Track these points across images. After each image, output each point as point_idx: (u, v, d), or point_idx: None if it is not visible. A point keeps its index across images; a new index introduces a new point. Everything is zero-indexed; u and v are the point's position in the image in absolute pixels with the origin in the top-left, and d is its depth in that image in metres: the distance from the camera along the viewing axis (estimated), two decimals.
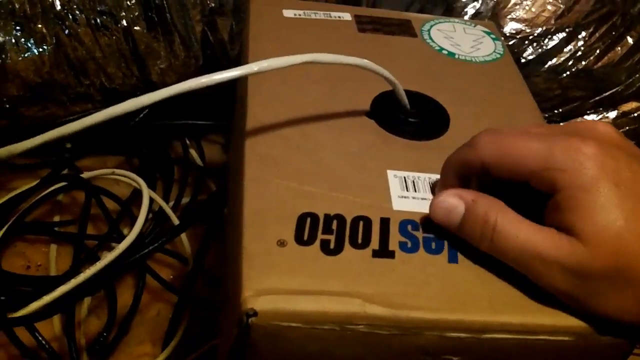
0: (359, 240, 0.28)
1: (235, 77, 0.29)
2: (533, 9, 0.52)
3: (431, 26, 0.46)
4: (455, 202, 0.29)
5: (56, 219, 0.51)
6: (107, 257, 0.41)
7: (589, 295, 0.26)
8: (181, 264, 0.49)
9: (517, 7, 0.53)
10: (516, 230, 0.27)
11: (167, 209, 0.50)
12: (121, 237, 0.43)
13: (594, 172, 0.26)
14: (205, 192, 0.55)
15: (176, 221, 0.49)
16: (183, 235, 0.49)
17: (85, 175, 0.51)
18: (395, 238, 0.29)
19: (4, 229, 0.47)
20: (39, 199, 0.50)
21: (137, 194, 0.51)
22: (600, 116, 0.54)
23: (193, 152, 0.57)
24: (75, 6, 0.47)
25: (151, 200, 0.48)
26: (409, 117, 0.35)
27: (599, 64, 0.53)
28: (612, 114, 0.55)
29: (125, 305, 0.45)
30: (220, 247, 0.49)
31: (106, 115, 0.27)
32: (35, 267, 0.48)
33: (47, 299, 0.39)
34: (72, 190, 0.52)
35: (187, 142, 0.58)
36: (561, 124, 0.54)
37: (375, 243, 0.28)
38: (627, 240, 0.25)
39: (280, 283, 0.26)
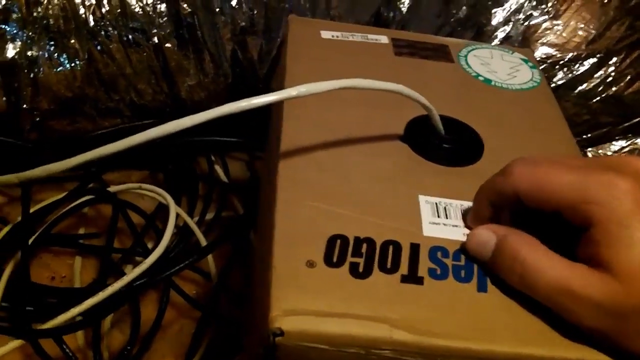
0: (388, 265, 0.28)
1: (274, 102, 0.29)
2: (564, 34, 0.52)
3: (468, 52, 0.46)
4: (488, 236, 0.29)
5: (81, 231, 0.52)
6: (135, 272, 0.42)
7: (623, 333, 0.25)
8: (205, 280, 0.49)
9: (548, 32, 0.53)
10: (547, 266, 0.27)
11: (193, 225, 0.50)
12: (146, 251, 0.43)
13: (630, 206, 0.25)
14: (229, 208, 0.55)
15: (201, 237, 0.49)
16: None
17: (112, 189, 0.51)
18: (424, 264, 0.28)
19: (31, 240, 0.47)
20: (66, 211, 0.50)
21: (161, 208, 0.51)
22: (629, 142, 0.54)
23: (218, 168, 0.58)
24: (107, 23, 0.48)
25: (176, 215, 0.48)
26: (443, 142, 0.35)
27: (630, 90, 0.53)
28: None
29: (148, 319, 0.45)
30: (244, 265, 0.49)
31: (146, 137, 0.27)
32: (60, 279, 0.48)
33: (74, 311, 0.39)
34: (97, 203, 0.53)
35: (212, 158, 0.58)
36: (598, 156, 0.53)
37: (404, 268, 0.28)
38: None
39: (308, 304, 0.26)
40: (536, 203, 0.28)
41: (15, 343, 0.40)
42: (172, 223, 0.46)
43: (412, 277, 0.28)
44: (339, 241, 0.29)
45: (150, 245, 0.49)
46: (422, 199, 0.32)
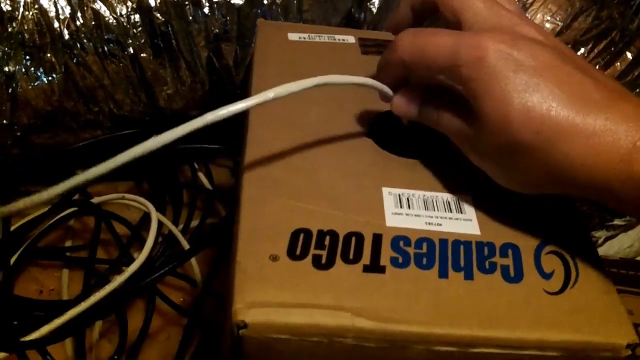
0: (351, 256, 0.29)
1: (252, 106, 0.29)
2: None
3: None
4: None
5: (68, 244, 0.52)
6: (117, 281, 0.42)
7: (502, 168, 0.31)
8: (191, 287, 0.50)
9: None
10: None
11: (177, 233, 0.50)
12: (131, 261, 0.44)
13: (494, 63, 0.28)
14: (214, 215, 0.55)
15: (185, 244, 0.50)
16: (193, 259, 0.50)
17: (96, 200, 0.51)
18: (386, 253, 0.29)
19: (17, 255, 0.48)
20: (51, 224, 0.51)
21: (147, 218, 0.51)
22: None
23: (202, 175, 0.58)
24: (82, 35, 0.48)
25: (161, 223, 0.49)
26: (406, 136, 0.36)
27: None
28: None
29: (136, 328, 0.45)
30: (228, 270, 0.49)
31: (129, 157, 0.28)
32: (48, 292, 0.48)
33: (58, 322, 0.40)
34: (83, 215, 0.53)
35: (196, 166, 0.58)
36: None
37: (366, 258, 0.29)
38: (519, 115, 0.28)
39: (272, 296, 0.26)
40: (419, 71, 0.32)
41: (0, 356, 0.40)
42: (154, 231, 0.46)
43: (375, 267, 0.28)
44: (302, 235, 0.29)
45: (136, 256, 0.49)
46: (386, 190, 0.32)
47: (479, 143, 0.30)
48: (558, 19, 0.51)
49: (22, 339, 0.39)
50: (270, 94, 0.30)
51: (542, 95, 0.27)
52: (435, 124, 0.33)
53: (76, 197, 0.52)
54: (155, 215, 0.47)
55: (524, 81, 0.28)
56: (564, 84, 0.28)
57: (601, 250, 0.55)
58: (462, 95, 0.30)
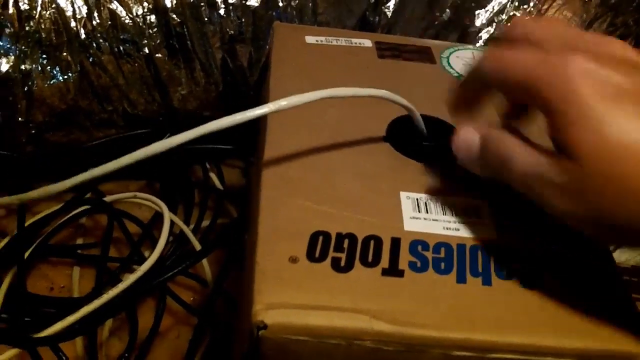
0: (370, 259, 0.29)
1: (266, 113, 0.30)
2: None
3: (450, 53, 0.46)
4: (472, 134, 0.30)
5: (79, 241, 0.52)
6: (129, 279, 0.42)
7: (589, 215, 0.25)
8: (201, 286, 0.50)
9: None
10: (520, 153, 0.27)
11: (188, 232, 0.50)
12: (143, 260, 0.44)
13: (585, 89, 0.25)
14: (225, 215, 0.56)
15: (197, 244, 0.50)
16: (204, 259, 0.50)
17: (108, 198, 0.52)
18: (405, 257, 0.29)
19: (28, 252, 0.48)
20: (63, 222, 0.51)
21: (158, 217, 0.51)
22: None
23: (213, 175, 0.58)
24: (99, 35, 0.48)
25: (172, 223, 0.49)
26: (424, 141, 0.36)
27: None
28: None
29: (146, 327, 0.46)
30: (239, 270, 0.49)
31: (138, 157, 0.28)
32: (59, 289, 0.49)
33: (70, 319, 0.40)
34: (95, 213, 0.53)
35: (207, 166, 0.59)
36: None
37: (385, 262, 0.29)
38: (618, 149, 0.24)
39: (290, 298, 0.26)
40: (499, 85, 0.29)
41: (13, 352, 0.41)
42: (167, 230, 0.46)
43: (393, 270, 0.28)
44: (321, 237, 0.29)
45: (147, 254, 0.50)
46: (404, 195, 0.32)
47: (567, 184, 0.26)
48: (573, 25, 0.51)
49: (35, 336, 0.39)
50: (283, 102, 0.31)
51: None
52: (506, 165, 0.28)
53: (88, 195, 0.53)
54: (167, 215, 0.47)
55: (621, 111, 0.24)
56: None
57: None
58: (546, 126, 0.27)
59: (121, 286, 0.42)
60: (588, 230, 0.27)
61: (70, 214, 0.51)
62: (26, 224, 0.49)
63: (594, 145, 0.24)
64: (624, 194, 0.24)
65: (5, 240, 0.48)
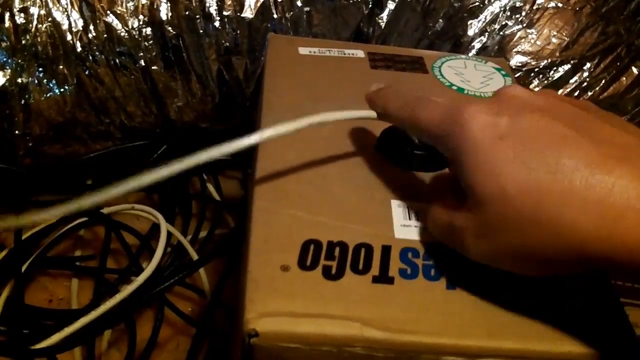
0: (360, 267, 0.29)
1: (266, 139, 0.30)
2: (538, 42, 0.53)
3: (442, 63, 0.47)
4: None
5: (77, 253, 0.52)
6: (126, 290, 0.42)
7: (499, 254, 0.26)
8: (199, 297, 0.50)
9: (523, 40, 0.54)
10: (440, 212, 0.29)
11: (185, 243, 0.51)
12: (141, 271, 0.44)
13: (480, 135, 0.26)
14: (223, 226, 0.56)
15: (194, 254, 0.50)
16: (201, 269, 0.50)
17: (106, 210, 0.52)
18: (395, 265, 0.29)
19: (27, 264, 0.48)
20: (61, 234, 0.52)
21: (156, 228, 0.52)
22: None
23: (210, 186, 0.59)
24: (95, 47, 0.49)
25: (170, 234, 0.49)
26: (415, 149, 0.36)
27: (605, 94, 0.54)
28: None
29: (144, 338, 0.46)
30: (237, 280, 0.49)
31: (141, 183, 0.28)
32: (58, 301, 0.49)
33: (68, 330, 0.40)
34: (93, 225, 0.54)
35: (205, 177, 0.59)
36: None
37: (375, 269, 0.29)
38: (515, 188, 0.24)
39: (282, 306, 0.27)
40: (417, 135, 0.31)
41: None
42: (163, 241, 0.46)
43: (383, 278, 0.29)
44: (312, 246, 0.29)
45: (145, 266, 0.50)
46: (395, 203, 0.33)
47: (475, 228, 0.26)
48: (565, 34, 0.51)
49: (32, 347, 0.39)
50: (282, 128, 0.31)
51: (534, 164, 0.24)
52: (428, 228, 0.31)
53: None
54: (164, 226, 0.48)
55: (511, 150, 0.25)
56: (559, 147, 0.24)
57: None
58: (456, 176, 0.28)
59: (119, 297, 0.42)
60: (516, 268, 0.26)
61: (68, 226, 0.52)
62: (24, 237, 0.49)
63: (489, 188, 0.25)
64: (524, 231, 0.24)
65: (4, 253, 0.48)
